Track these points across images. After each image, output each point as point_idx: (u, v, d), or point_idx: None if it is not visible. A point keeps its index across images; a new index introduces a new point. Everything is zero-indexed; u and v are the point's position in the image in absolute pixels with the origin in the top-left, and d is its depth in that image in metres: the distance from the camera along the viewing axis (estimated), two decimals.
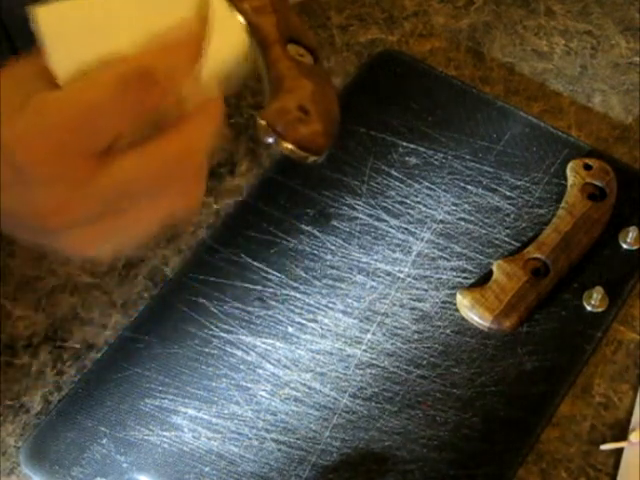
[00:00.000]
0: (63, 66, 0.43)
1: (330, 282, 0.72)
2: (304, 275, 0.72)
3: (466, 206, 0.75)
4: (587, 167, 0.75)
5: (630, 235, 0.73)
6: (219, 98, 0.46)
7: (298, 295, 0.71)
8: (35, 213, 0.43)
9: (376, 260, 0.73)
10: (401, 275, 0.72)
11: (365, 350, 0.69)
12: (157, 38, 0.43)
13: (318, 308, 0.71)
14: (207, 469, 0.64)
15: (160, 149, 0.43)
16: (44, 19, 0.42)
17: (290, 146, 0.46)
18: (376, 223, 0.75)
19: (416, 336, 0.69)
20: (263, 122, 0.46)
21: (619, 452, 0.65)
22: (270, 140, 0.46)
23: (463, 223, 0.74)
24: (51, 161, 0.42)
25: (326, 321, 0.70)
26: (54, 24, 0.42)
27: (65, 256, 0.48)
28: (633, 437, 0.65)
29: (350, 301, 0.71)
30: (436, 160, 0.78)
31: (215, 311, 0.70)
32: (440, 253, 0.73)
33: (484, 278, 0.71)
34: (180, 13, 0.43)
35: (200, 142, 0.45)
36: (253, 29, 0.50)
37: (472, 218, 0.75)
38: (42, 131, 0.41)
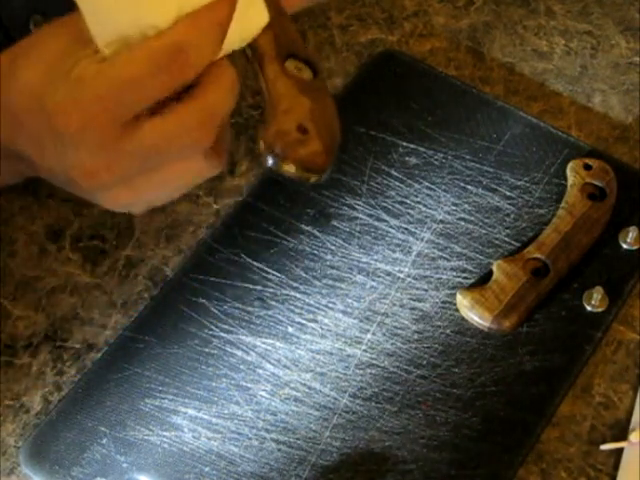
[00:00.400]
0: (100, 33, 0.45)
1: (330, 282, 0.72)
2: (304, 275, 0.72)
3: (466, 206, 0.75)
4: (587, 167, 0.75)
5: (630, 235, 0.73)
6: (232, 67, 0.48)
7: (298, 295, 0.71)
8: (72, 175, 0.47)
9: (376, 260, 0.73)
10: (401, 275, 0.72)
11: (365, 350, 0.69)
12: (190, 14, 0.45)
13: (318, 308, 0.71)
14: (207, 469, 0.64)
15: (181, 116, 0.46)
16: None
17: (291, 167, 0.46)
18: (376, 223, 0.75)
19: (416, 336, 0.69)
20: (263, 145, 0.46)
21: (619, 452, 0.65)
22: (270, 162, 0.47)
23: (463, 223, 0.74)
24: (87, 128, 0.45)
25: (326, 321, 0.70)
26: None
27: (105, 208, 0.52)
28: (633, 437, 0.65)
29: (350, 301, 0.71)
30: (436, 160, 0.78)
31: (215, 311, 0.70)
32: (440, 253, 0.73)
33: (484, 278, 0.71)
34: None
35: (218, 107, 0.47)
36: (251, 45, 0.50)
37: (472, 218, 0.75)
38: (81, 101, 0.45)
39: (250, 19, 0.49)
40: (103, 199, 0.49)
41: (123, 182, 0.47)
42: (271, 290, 0.71)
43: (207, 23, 0.45)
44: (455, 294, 0.70)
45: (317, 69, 0.51)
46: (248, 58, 0.51)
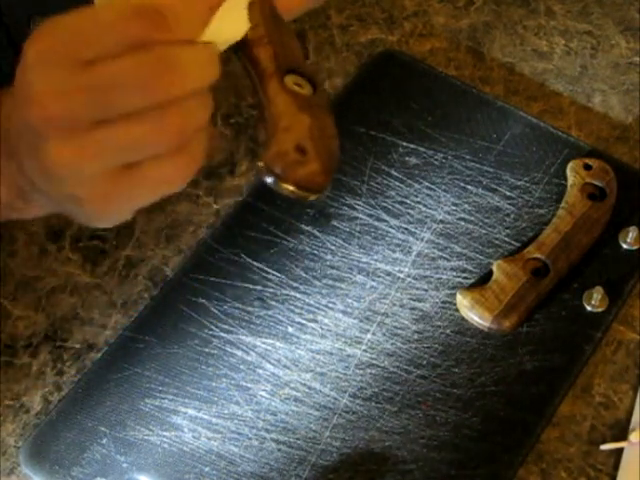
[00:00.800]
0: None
1: (330, 282, 0.72)
2: (304, 275, 0.72)
3: (466, 206, 0.75)
4: (587, 167, 0.75)
5: (630, 235, 0.73)
6: (212, 46, 0.47)
7: (298, 295, 0.71)
8: (32, 99, 0.46)
9: (376, 260, 0.73)
10: (401, 275, 0.72)
11: (365, 350, 0.69)
12: None
13: (318, 308, 0.71)
14: (207, 469, 0.64)
15: (139, 57, 0.45)
16: None
17: (290, 187, 0.47)
18: (376, 223, 0.75)
19: (416, 336, 0.69)
20: (262, 165, 0.47)
21: (619, 452, 0.65)
22: (270, 181, 0.47)
23: (463, 223, 0.74)
24: (45, 57, 0.46)
25: (326, 321, 0.70)
26: None
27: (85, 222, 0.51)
28: (633, 437, 0.65)
29: (350, 301, 0.71)
30: (436, 160, 0.78)
31: (215, 311, 0.70)
32: (440, 253, 0.73)
33: (484, 278, 0.71)
34: None
35: (182, 60, 0.46)
36: (250, 61, 0.50)
37: (472, 218, 0.75)
38: (47, 32, 0.46)
39: (231, 23, 0.49)
40: (80, 194, 0.47)
41: (77, 136, 0.46)
42: (271, 290, 0.71)
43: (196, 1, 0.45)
44: (455, 294, 0.70)
45: (317, 84, 0.51)
46: (248, 73, 0.51)
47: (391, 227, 0.74)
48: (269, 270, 0.72)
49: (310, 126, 0.48)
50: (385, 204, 0.75)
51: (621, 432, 0.66)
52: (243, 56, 0.50)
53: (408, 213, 0.75)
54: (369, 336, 0.69)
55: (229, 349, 0.69)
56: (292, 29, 0.53)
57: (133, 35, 0.45)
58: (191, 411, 0.66)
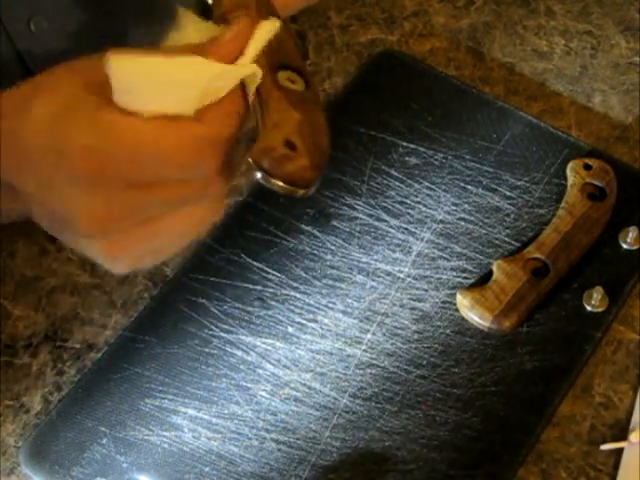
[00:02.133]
0: (127, 106, 0.46)
1: (330, 282, 0.72)
2: (304, 275, 0.72)
3: (466, 206, 0.75)
4: (587, 167, 0.75)
5: (630, 235, 0.73)
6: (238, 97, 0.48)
7: (298, 295, 0.71)
8: (81, 219, 0.46)
9: (376, 260, 0.73)
10: (401, 275, 0.72)
11: (365, 350, 0.69)
12: (217, 104, 0.47)
13: (318, 308, 0.71)
14: (207, 469, 0.64)
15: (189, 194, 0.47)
16: (117, 64, 0.45)
17: (278, 183, 0.47)
18: (376, 223, 0.75)
19: (416, 336, 0.69)
20: (250, 160, 0.47)
21: (619, 452, 0.65)
22: (258, 176, 0.47)
23: (463, 223, 0.74)
24: (105, 176, 0.45)
25: (326, 321, 0.70)
26: (124, 71, 0.46)
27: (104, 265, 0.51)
28: (633, 437, 0.65)
29: (350, 301, 0.71)
30: (436, 160, 0.78)
31: (215, 311, 0.70)
32: (440, 253, 0.73)
33: (484, 278, 0.71)
34: (229, 84, 0.47)
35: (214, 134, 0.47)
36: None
37: (472, 218, 0.75)
38: (107, 150, 0.45)
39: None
40: (98, 246, 0.48)
41: (123, 230, 0.47)
42: (271, 290, 0.71)
43: (233, 112, 0.47)
44: (455, 294, 0.70)
45: (309, 80, 0.51)
46: None
47: (391, 227, 0.74)
48: (269, 270, 0.72)
49: (300, 122, 0.48)
50: (385, 204, 0.75)
51: (621, 432, 0.66)
52: None
53: (408, 213, 0.75)
54: (369, 336, 0.69)
55: (229, 349, 0.69)
56: (289, 25, 0.53)
57: (195, 169, 0.46)
58: (191, 411, 0.66)
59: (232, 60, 0.48)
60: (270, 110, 0.48)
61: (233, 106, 0.47)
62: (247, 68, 0.48)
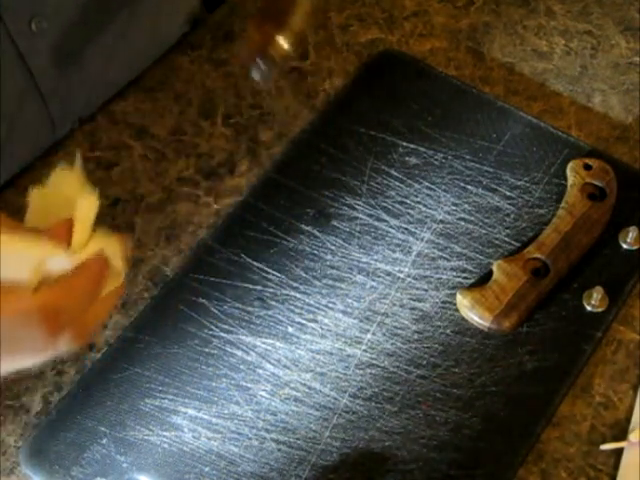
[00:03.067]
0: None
1: (330, 282, 0.72)
2: (304, 275, 0.72)
3: (466, 206, 0.75)
4: (587, 167, 0.75)
5: (630, 235, 0.73)
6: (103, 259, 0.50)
7: (298, 295, 0.71)
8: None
9: (376, 260, 0.73)
10: (401, 275, 0.72)
11: (365, 350, 0.69)
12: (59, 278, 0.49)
13: (318, 308, 0.71)
14: (207, 469, 0.64)
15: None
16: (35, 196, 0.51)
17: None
18: (376, 223, 0.75)
19: (416, 336, 0.69)
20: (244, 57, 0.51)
21: (619, 452, 0.65)
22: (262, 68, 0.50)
23: (463, 223, 0.74)
24: None
25: (326, 321, 0.70)
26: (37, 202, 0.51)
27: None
28: (633, 437, 0.65)
29: (350, 301, 0.71)
30: (436, 160, 0.78)
31: (215, 311, 0.70)
32: (440, 253, 0.73)
33: (484, 278, 0.71)
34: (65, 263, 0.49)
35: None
36: None
37: (472, 218, 0.75)
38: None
39: None
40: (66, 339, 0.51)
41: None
42: (271, 290, 0.71)
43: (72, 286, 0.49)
44: (455, 294, 0.70)
45: None
46: None
47: (391, 227, 0.74)
48: (269, 270, 0.72)
49: None
50: (385, 204, 0.75)
51: (621, 432, 0.66)
52: None
53: (408, 213, 0.75)
54: (369, 336, 0.69)
55: (229, 349, 0.69)
56: None
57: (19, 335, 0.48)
58: (191, 411, 0.66)
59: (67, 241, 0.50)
60: None
61: (75, 280, 0.49)
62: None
